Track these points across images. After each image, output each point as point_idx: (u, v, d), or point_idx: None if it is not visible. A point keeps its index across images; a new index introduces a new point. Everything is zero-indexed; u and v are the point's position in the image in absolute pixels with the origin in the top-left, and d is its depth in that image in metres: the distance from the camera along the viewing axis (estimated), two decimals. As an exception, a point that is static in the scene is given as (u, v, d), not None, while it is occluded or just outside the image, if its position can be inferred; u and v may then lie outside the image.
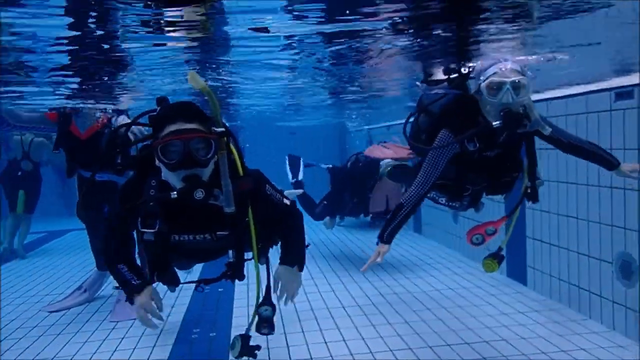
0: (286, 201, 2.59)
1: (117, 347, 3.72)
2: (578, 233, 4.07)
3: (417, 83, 3.20)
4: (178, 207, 2.25)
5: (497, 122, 2.58)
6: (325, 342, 3.63)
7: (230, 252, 2.59)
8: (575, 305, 4.15)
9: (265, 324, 2.56)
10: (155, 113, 2.35)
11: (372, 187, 6.08)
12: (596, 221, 3.85)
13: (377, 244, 2.75)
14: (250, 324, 2.61)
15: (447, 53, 3.17)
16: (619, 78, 3.64)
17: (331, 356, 3.37)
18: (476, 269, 5.62)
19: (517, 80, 2.55)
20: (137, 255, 2.65)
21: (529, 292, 4.68)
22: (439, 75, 3.01)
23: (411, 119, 3.32)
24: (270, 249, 2.88)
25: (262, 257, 2.78)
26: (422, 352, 3.50)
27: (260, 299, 2.60)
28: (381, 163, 5.71)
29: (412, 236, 7.55)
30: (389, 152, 5.80)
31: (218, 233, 2.40)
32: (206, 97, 2.30)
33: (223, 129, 2.29)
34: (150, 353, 3.59)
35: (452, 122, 2.74)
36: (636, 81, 3.45)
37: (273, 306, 2.60)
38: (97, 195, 4.32)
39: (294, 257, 2.69)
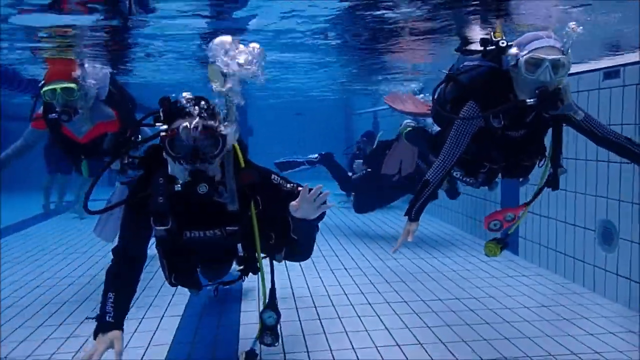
0: (301, 188, 2.40)
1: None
2: (566, 204, 4.37)
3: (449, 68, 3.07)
4: (185, 202, 2.27)
5: (532, 100, 2.48)
6: (340, 318, 3.60)
7: (239, 246, 2.62)
8: (560, 271, 4.47)
9: (268, 332, 2.45)
10: (159, 113, 2.32)
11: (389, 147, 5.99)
12: (582, 192, 4.16)
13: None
14: (256, 338, 2.53)
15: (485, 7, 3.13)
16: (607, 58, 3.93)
17: (345, 332, 3.37)
18: (472, 240, 5.96)
19: (558, 59, 2.42)
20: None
21: (520, 260, 5.00)
22: (476, 45, 2.90)
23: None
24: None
25: (277, 254, 2.64)
26: (416, 304, 3.85)
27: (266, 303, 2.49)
28: (402, 123, 5.52)
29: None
30: (410, 105, 5.53)
31: (227, 228, 2.39)
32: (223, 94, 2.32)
33: (232, 125, 2.27)
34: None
35: (480, 94, 2.66)
36: (622, 61, 3.73)
37: (278, 313, 2.48)
38: None
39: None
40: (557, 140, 2.82)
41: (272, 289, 2.52)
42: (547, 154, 2.91)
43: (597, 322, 3.44)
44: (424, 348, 3.10)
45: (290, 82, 7.84)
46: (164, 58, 5.00)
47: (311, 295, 4.10)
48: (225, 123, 2.26)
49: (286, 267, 4.68)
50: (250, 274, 2.72)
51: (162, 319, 3.65)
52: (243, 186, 2.33)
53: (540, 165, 2.94)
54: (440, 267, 4.89)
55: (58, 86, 3.47)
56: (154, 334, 3.38)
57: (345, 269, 4.86)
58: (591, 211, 4.05)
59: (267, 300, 2.51)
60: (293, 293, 4.16)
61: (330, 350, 3.09)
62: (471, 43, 3.08)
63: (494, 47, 2.71)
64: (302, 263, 4.93)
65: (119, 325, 2.21)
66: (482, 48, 2.79)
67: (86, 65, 3.77)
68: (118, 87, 4.07)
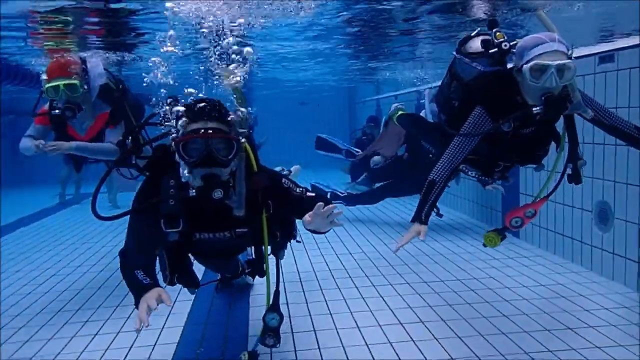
0: (310, 194, 2.49)
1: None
2: (564, 186, 4.46)
3: (453, 53, 3.09)
4: (197, 205, 2.26)
5: (538, 109, 2.47)
6: (345, 300, 3.75)
7: (249, 249, 2.66)
8: (559, 251, 4.60)
9: (271, 334, 2.46)
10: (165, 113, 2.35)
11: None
12: (579, 174, 4.26)
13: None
14: (259, 339, 2.52)
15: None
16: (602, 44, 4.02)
17: (350, 312, 3.51)
18: (474, 224, 6.10)
19: (563, 64, 2.38)
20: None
21: (521, 243, 5.13)
22: (476, 44, 2.90)
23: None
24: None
25: (280, 251, 2.72)
26: (419, 285, 4.00)
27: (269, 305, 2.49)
28: (392, 106, 5.58)
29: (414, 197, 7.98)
30: None
31: (237, 230, 2.41)
32: (235, 96, 2.44)
33: (245, 130, 2.29)
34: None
35: (488, 100, 2.64)
36: (617, 46, 3.82)
37: (281, 315, 2.49)
38: None
39: None
40: (572, 134, 2.79)
41: (277, 291, 2.53)
42: (561, 140, 2.88)
43: (593, 299, 3.57)
44: (425, 326, 3.25)
45: (296, 73, 7.93)
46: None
47: (317, 279, 4.25)
48: (239, 126, 2.27)
49: (292, 252, 4.83)
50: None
51: (175, 302, 3.76)
52: (256, 190, 2.34)
53: (557, 150, 2.91)
54: (442, 250, 5.03)
55: (61, 83, 3.47)
56: (168, 317, 3.53)
57: (350, 253, 5.01)
58: (588, 193, 4.17)
59: (270, 302, 2.51)
60: (300, 277, 4.32)
61: (336, 329, 3.25)
62: (470, 39, 3.00)
63: (496, 49, 2.70)
64: (308, 248, 5.11)
65: (158, 285, 2.24)
66: (483, 50, 2.79)
67: (87, 59, 3.78)
68: (121, 85, 4.04)
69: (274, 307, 2.49)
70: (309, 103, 13.36)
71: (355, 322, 3.34)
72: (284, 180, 2.48)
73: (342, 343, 3.05)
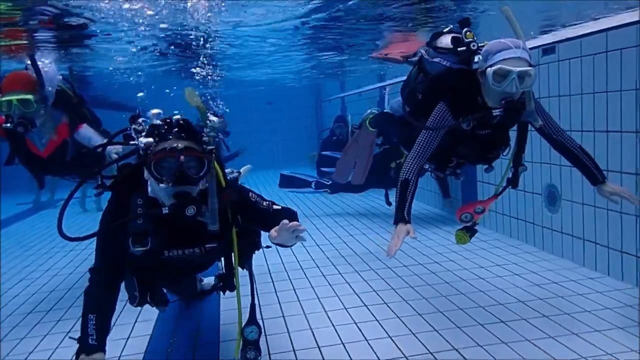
0: (276, 206, 2.51)
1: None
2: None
3: (422, 50, 3.16)
4: (167, 223, 2.28)
5: (497, 112, 2.58)
6: (312, 287, 3.91)
7: (219, 263, 2.69)
8: (514, 234, 4.88)
9: (251, 347, 2.50)
10: (128, 131, 2.36)
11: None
12: (528, 160, 4.52)
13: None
14: (235, 354, 2.55)
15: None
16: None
17: (318, 298, 3.68)
18: (436, 214, 6.34)
19: (525, 71, 2.49)
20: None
21: (479, 228, 5.29)
22: (447, 40, 2.97)
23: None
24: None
25: (247, 262, 2.77)
26: (383, 271, 4.18)
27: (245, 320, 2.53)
28: (367, 111, 5.76)
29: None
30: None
31: (207, 245, 2.42)
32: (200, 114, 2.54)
33: (213, 147, 2.31)
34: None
35: (451, 96, 2.74)
36: (557, 39, 4.10)
37: (259, 327, 2.55)
38: None
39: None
40: (522, 140, 2.93)
41: (252, 304, 2.59)
42: (511, 145, 3.00)
43: (544, 275, 3.84)
44: (388, 306, 3.44)
45: (262, 72, 8.01)
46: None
47: (286, 269, 4.39)
48: (208, 144, 2.29)
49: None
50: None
51: (140, 311, 3.61)
52: (225, 205, 2.37)
53: (505, 154, 3.03)
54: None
55: (14, 97, 3.36)
56: (140, 311, 3.58)
57: (317, 244, 5.18)
58: (538, 177, 4.44)
59: (248, 316, 2.56)
60: (269, 268, 4.45)
61: (305, 314, 3.40)
62: (442, 35, 3.09)
63: (464, 47, 2.78)
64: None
65: (101, 346, 2.18)
66: (452, 47, 2.86)
67: (43, 67, 3.64)
68: (78, 94, 4.01)
69: (251, 320, 2.55)
70: (274, 103, 13.46)
71: (323, 306, 3.50)
72: (250, 194, 2.52)
73: (310, 326, 3.20)
